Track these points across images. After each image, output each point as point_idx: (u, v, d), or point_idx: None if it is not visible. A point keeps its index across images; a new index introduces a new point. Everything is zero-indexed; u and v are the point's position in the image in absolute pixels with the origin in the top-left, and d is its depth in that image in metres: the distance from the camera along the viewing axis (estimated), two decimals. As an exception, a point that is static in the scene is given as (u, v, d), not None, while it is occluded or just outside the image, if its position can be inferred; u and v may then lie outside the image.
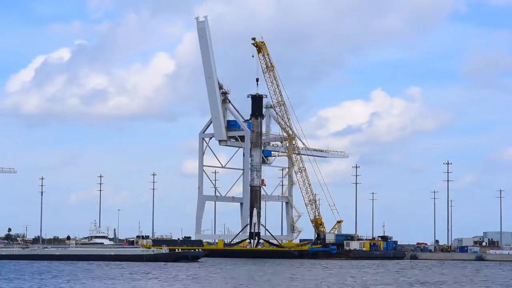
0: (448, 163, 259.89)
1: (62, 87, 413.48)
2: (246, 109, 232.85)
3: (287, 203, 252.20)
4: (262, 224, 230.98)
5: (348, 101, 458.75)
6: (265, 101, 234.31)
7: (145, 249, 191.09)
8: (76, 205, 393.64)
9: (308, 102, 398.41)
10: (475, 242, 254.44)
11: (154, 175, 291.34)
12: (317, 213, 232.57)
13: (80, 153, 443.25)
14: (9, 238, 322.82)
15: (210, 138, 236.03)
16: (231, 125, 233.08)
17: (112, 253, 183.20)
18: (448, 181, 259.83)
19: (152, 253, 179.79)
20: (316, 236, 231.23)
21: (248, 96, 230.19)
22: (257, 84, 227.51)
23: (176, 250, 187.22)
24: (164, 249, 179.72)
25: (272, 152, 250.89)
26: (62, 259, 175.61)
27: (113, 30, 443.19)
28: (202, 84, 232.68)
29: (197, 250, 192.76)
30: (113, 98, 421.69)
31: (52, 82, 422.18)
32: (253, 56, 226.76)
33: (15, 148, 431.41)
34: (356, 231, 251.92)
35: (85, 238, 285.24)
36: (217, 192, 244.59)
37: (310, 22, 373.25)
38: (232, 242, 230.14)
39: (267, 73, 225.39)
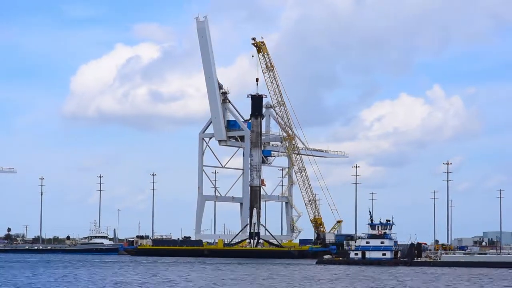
0: (448, 163, 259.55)
1: (128, 89, 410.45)
2: (246, 109, 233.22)
3: (287, 203, 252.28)
4: (262, 224, 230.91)
5: (406, 95, 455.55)
6: (265, 101, 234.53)
7: None
8: (76, 205, 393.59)
9: (366, 100, 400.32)
10: (475, 242, 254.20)
11: (154, 175, 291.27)
12: (317, 213, 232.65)
13: (81, 154, 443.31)
14: (9, 238, 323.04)
15: (210, 138, 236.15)
16: (231, 125, 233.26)
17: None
18: (448, 181, 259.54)
19: None
20: (316, 236, 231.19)
21: (248, 96, 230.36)
22: (257, 84, 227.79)
23: None
24: None
25: (272, 152, 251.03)
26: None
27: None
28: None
29: None
30: (168, 102, 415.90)
31: (130, 82, 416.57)
32: (253, 56, 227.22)
33: (17, 148, 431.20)
34: (356, 231, 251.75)
35: (85, 238, 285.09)
36: (217, 192, 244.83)
37: (384, 25, 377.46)
38: (232, 242, 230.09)
39: (267, 73, 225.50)
